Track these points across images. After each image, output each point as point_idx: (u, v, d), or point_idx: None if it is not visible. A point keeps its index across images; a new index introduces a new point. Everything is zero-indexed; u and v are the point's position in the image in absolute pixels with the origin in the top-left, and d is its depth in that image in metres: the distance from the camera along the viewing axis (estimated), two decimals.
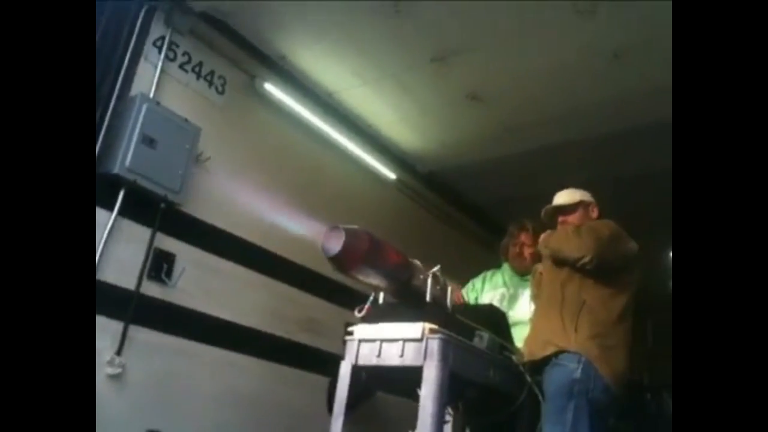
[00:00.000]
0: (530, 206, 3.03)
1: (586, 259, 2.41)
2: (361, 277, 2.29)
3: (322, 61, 4.14)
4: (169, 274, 3.41)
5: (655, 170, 4.79)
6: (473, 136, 4.77)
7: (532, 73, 3.93)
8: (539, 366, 2.45)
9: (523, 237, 3.36)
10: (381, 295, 2.43)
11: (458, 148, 4.98)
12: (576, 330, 2.36)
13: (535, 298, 2.88)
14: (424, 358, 2.13)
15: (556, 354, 2.37)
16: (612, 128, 4.35)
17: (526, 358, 2.51)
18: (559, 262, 2.54)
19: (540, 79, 3.97)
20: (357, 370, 2.36)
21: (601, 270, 2.44)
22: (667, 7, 3.06)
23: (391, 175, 5.14)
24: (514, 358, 2.53)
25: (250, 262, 3.90)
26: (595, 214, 2.77)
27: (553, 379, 2.35)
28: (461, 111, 4.46)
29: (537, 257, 2.95)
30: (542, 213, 2.82)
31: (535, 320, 2.68)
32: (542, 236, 2.70)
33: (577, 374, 2.28)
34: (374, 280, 2.32)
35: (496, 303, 3.24)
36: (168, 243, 3.46)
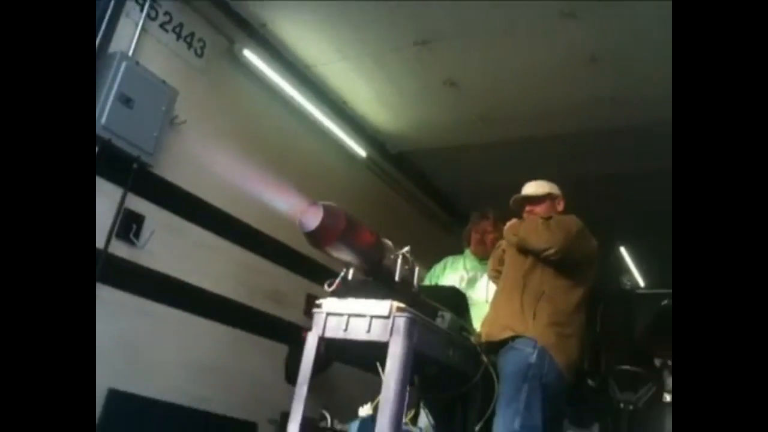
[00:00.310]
0: (495, 196, 3.14)
1: (551, 251, 2.52)
2: (334, 254, 2.36)
3: (303, 32, 4.14)
4: (137, 234, 3.41)
5: (614, 172, 5.04)
6: (446, 122, 4.86)
7: (510, 68, 4.04)
8: (495, 348, 2.59)
9: (485, 224, 3.49)
10: (351, 271, 2.50)
11: (430, 132, 5.07)
12: (534, 317, 2.49)
13: (494, 275, 2.99)
14: (390, 334, 2.21)
15: (513, 338, 2.50)
16: (582, 129, 4.52)
17: (483, 339, 2.63)
18: (525, 250, 2.66)
19: (518, 74, 4.09)
20: (322, 342, 2.43)
21: (564, 263, 2.57)
22: (644, 16, 3.23)
23: (362, 153, 5.19)
24: (472, 338, 2.66)
25: (219, 229, 3.93)
26: (560, 207, 2.89)
27: (509, 362, 2.47)
28: (437, 96, 4.54)
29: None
30: (510, 201, 2.92)
31: (495, 304, 2.78)
32: (510, 223, 2.80)
33: (533, 359, 2.42)
34: (347, 256, 2.39)
35: (456, 285, 3.37)
36: (138, 204, 3.45)
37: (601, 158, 4.89)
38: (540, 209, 2.84)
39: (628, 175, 5.04)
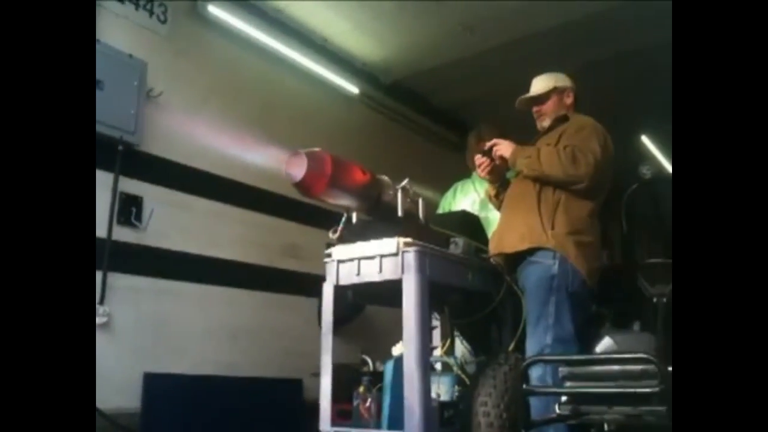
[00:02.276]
0: (497, 105, 2.98)
1: (580, 186, 2.36)
2: (329, 200, 2.27)
3: None
4: (138, 217, 3.36)
5: (621, 52, 4.75)
6: (433, 39, 4.61)
7: None
8: (512, 262, 2.48)
9: (483, 146, 3.29)
10: (354, 215, 2.41)
11: (419, 53, 4.82)
12: (553, 227, 2.36)
13: (496, 202, 2.83)
14: (402, 271, 2.15)
15: (532, 251, 2.38)
16: (569, 18, 4.24)
17: (495, 251, 2.50)
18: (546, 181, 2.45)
19: None
20: (340, 290, 2.37)
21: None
22: None
23: (354, 90, 4.99)
24: (492, 259, 2.56)
25: (219, 195, 3.84)
26: (570, 99, 2.67)
27: (531, 276, 2.37)
28: (417, 13, 4.28)
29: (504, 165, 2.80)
30: (516, 103, 2.71)
31: (507, 214, 2.60)
32: (521, 152, 2.50)
33: (555, 269, 2.30)
34: (343, 200, 2.31)
35: (469, 209, 3.25)
36: (132, 186, 3.37)
37: (599, 42, 4.60)
38: (547, 107, 2.65)
39: (632, 52, 4.75)
